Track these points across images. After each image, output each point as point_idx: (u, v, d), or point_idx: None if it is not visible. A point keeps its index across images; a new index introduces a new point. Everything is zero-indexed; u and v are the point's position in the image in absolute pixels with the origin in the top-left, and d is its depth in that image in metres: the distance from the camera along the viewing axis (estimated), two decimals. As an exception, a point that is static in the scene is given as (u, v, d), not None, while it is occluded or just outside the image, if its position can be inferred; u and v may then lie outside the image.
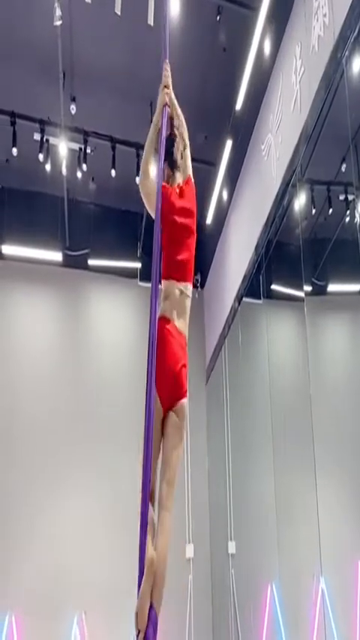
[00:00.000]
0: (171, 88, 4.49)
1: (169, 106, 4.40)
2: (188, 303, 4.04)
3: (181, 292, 4.01)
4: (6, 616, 11.05)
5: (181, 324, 3.93)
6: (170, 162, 4.28)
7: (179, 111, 4.49)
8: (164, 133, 4.28)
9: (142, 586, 3.22)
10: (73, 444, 12.21)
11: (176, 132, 4.37)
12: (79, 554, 11.60)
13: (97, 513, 11.87)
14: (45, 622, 11.07)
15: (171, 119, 4.37)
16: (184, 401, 3.80)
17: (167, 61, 4.61)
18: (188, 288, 4.07)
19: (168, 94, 4.43)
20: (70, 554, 11.58)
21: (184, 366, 3.80)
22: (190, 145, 4.43)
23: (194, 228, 4.24)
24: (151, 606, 3.20)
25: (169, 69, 4.54)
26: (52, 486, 11.91)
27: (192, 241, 4.21)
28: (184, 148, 4.39)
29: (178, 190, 4.23)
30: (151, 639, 3.10)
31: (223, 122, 10.02)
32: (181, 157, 4.35)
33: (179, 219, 4.12)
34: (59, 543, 11.63)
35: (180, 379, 3.76)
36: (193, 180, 4.38)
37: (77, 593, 11.32)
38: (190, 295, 4.07)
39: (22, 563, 11.40)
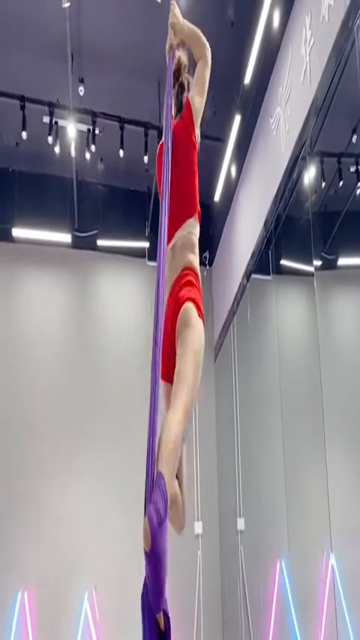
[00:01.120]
0: (179, 24, 4.12)
1: (174, 50, 4.08)
2: (190, 239, 3.69)
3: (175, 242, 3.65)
4: (18, 593, 11.19)
5: (180, 261, 3.62)
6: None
7: (199, 37, 4.09)
8: (170, 80, 4.02)
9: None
10: (83, 422, 12.33)
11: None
12: (90, 531, 11.70)
13: (107, 490, 11.96)
14: (56, 598, 11.25)
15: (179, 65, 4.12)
16: (187, 304, 3.40)
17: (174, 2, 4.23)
18: (189, 224, 3.70)
19: (173, 31, 4.10)
20: (81, 531, 11.70)
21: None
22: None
23: (193, 140, 3.86)
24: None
25: (177, 7, 4.18)
26: (62, 464, 12.03)
27: (192, 160, 3.84)
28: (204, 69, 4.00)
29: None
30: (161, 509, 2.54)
31: (232, 97, 10.00)
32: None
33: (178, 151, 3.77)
34: (70, 520, 11.75)
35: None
36: (192, 109, 3.93)
37: (88, 570, 11.46)
38: (193, 231, 3.71)
39: (33, 541, 11.53)
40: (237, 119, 9.97)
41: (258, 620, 10.23)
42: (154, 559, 2.45)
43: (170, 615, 2.58)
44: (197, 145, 3.88)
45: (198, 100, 3.94)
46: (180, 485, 3.37)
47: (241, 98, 9.78)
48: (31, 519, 11.67)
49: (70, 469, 12.09)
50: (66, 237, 12.79)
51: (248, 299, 10.66)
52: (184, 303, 3.38)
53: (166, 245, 3.30)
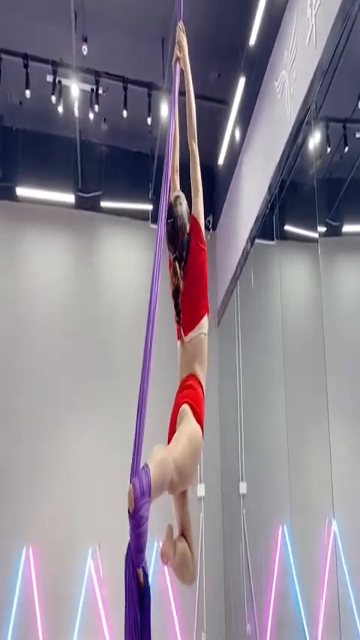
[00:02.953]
0: (185, 49, 4.55)
1: (180, 62, 4.53)
2: (202, 339, 4.06)
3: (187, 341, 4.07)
4: (23, 548, 11.37)
5: (189, 365, 4.02)
6: (174, 250, 4.12)
7: (190, 85, 4.55)
8: (176, 90, 4.34)
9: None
10: (86, 382, 12.42)
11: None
12: (93, 489, 11.80)
13: (110, 449, 11.97)
14: (60, 555, 11.39)
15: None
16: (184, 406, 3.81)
17: (181, 22, 4.70)
18: (202, 325, 4.08)
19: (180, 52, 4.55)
20: (85, 489, 11.84)
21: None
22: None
23: (202, 247, 4.16)
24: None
25: (183, 30, 4.63)
26: (66, 423, 12.17)
27: (202, 262, 4.15)
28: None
29: (182, 280, 4.10)
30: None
31: (236, 59, 9.85)
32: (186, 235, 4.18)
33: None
34: (74, 478, 11.90)
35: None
36: (198, 220, 4.20)
37: (91, 528, 11.56)
38: (204, 330, 4.08)
39: (38, 498, 11.68)
40: (241, 81, 9.83)
41: (260, 583, 10.31)
42: (135, 520, 2.85)
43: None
44: (205, 248, 4.18)
45: (200, 208, 4.23)
46: (189, 543, 3.75)
47: (246, 60, 9.63)
48: (36, 476, 11.79)
49: (74, 427, 12.21)
50: (69, 198, 12.81)
51: (252, 264, 10.59)
52: (182, 404, 3.80)
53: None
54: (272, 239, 9.70)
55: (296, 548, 9.46)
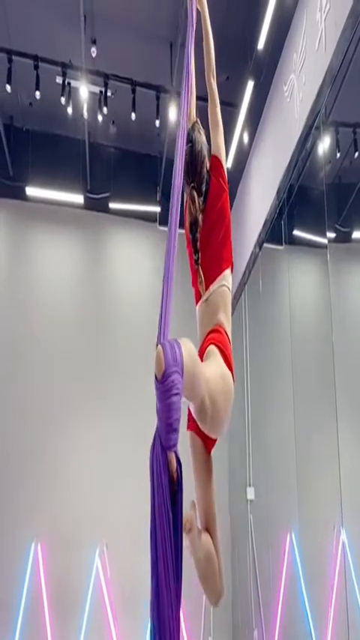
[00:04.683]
0: None
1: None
2: (224, 292, 3.63)
3: (208, 297, 3.62)
4: (32, 543, 11.38)
5: (212, 318, 3.57)
6: (192, 180, 3.70)
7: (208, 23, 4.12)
8: (193, 25, 3.92)
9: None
10: (94, 382, 12.42)
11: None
12: (101, 488, 11.82)
13: (120, 447, 12.05)
14: (68, 552, 11.42)
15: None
16: (210, 346, 3.37)
17: None
18: (224, 277, 3.65)
19: None
20: (93, 487, 11.83)
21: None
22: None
23: (223, 186, 3.75)
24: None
25: None
26: (76, 420, 12.20)
27: (224, 205, 3.73)
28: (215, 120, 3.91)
29: (202, 218, 3.67)
30: None
31: (245, 62, 9.77)
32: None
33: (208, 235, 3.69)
34: (83, 475, 11.90)
35: None
36: (219, 157, 3.79)
37: (99, 526, 11.56)
38: (227, 283, 3.64)
39: (47, 494, 11.69)
40: (250, 84, 9.73)
41: (267, 589, 10.24)
42: (166, 386, 2.41)
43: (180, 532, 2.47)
44: (227, 189, 3.78)
45: (220, 142, 3.85)
46: (214, 542, 3.27)
47: (255, 63, 9.54)
48: (46, 472, 11.80)
49: (84, 425, 12.21)
50: (78, 198, 12.81)
51: (260, 268, 10.51)
52: (208, 346, 3.36)
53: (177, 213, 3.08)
54: (281, 244, 9.63)
55: (304, 555, 9.39)
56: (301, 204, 8.96)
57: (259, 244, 10.28)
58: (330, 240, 7.82)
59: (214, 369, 3.14)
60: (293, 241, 9.38)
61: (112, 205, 13.07)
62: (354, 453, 8.97)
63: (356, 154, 8.23)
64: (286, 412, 9.36)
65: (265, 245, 10.16)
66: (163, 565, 2.40)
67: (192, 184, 3.66)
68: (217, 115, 3.94)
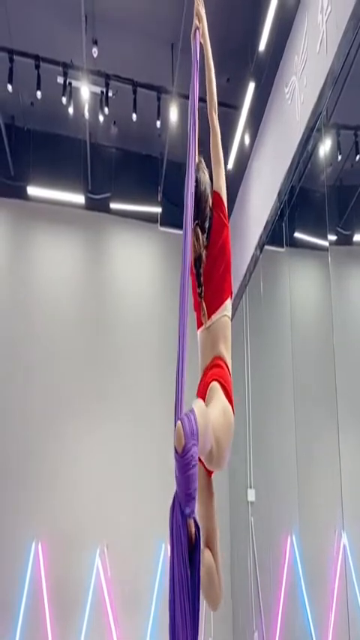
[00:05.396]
0: (204, 20, 4.22)
1: (199, 30, 4.16)
2: (225, 322, 3.84)
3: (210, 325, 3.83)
4: (32, 542, 11.38)
5: (213, 348, 3.81)
6: (196, 217, 3.81)
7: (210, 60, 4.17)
8: (197, 63, 3.98)
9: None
10: (96, 382, 12.40)
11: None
12: (102, 490, 11.81)
13: (120, 449, 12.08)
14: (69, 551, 11.43)
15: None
16: (213, 383, 3.59)
17: None
18: (225, 307, 3.85)
19: (200, 23, 4.19)
20: (94, 487, 11.82)
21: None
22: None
23: (224, 222, 3.93)
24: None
25: (201, 2, 4.29)
26: (77, 420, 12.18)
27: (225, 240, 3.92)
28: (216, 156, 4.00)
29: (205, 254, 3.86)
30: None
31: (246, 64, 9.75)
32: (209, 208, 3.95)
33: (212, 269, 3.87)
34: (84, 476, 11.90)
35: None
36: (221, 195, 3.96)
37: (99, 526, 11.57)
38: (227, 313, 3.85)
39: (48, 494, 11.68)
40: (251, 86, 9.72)
41: (268, 591, 10.22)
42: (186, 461, 2.59)
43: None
44: (228, 224, 3.98)
45: (222, 179, 4.00)
46: (214, 556, 3.48)
47: (256, 65, 9.52)
48: (46, 471, 11.80)
49: (85, 425, 12.20)
50: (79, 198, 12.80)
51: (261, 270, 10.48)
52: (211, 382, 3.59)
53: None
54: (282, 246, 9.60)
55: (305, 558, 9.37)
56: (302, 206, 8.93)
57: (260, 246, 10.25)
58: (331, 243, 7.80)
59: (218, 412, 3.35)
60: (294, 244, 9.35)
61: (113, 206, 13.04)
62: (355, 456, 8.95)
63: (357, 156, 8.19)
64: (287, 414, 9.33)
65: (266, 247, 10.13)
66: (180, 618, 2.62)
67: (196, 222, 3.79)
68: (219, 152, 4.02)
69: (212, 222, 3.88)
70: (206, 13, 4.23)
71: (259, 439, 10.91)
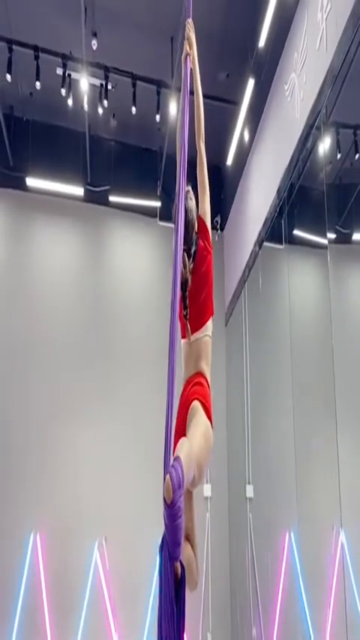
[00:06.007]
0: (194, 46, 4.42)
1: (189, 56, 4.37)
2: (206, 341, 4.17)
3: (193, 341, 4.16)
4: (31, 534, 11.44)
5: (195, 364, 4.11)
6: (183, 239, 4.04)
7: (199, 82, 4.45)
8: (187, 88, 4.21)
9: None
10: (95, 375, 12.43)
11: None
12: (102, 482, 11.86)
13: (119, 441, 12.14)
14: (67, 543, 11.49)
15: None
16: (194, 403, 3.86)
17: (190, 20, 4.63)
18: (207, 327, 4.19)
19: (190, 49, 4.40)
20: (93, 479, 11.87)
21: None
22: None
23: (208, 248, 4.22)
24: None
25: (192, 28, 4.52)
26: (77, 412, 12.20)
27: (208, 266, 4.21)
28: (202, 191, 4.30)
29: (190, 279, 4.14)
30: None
31: (246, 60, 9.71)
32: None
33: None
34: (83, 468, 11.94)
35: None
36: (205, 221, 4.25)
37: (98, 519, 11.62)
38: (209, 332, 4.19)
39: (47, 485, 11.72)
40: (250, 82, 9.67)
41: (266, 587, 10.23)
42: (173, 512, 2.84)
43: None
44: (211, 250, 4.24)
45: (207, 207, 4.29)
46: (192, 546, 3.85)
47: (255, 62, 9.48)
48: (46, 464, 11.84)
49: (85, 417, 12.22)
50: (78, 191, 12.79)
51: (260, 266, 10.45)
52: (192, 401, 3.87)
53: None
54: (281, 243, 9.55)
55: (303, 555, 9.36)
56: (301, 204, 8.87)
57: (259, 243, 10.23)
58: (330, 241, 7.74)
59: (199, 436, 3.64)
60: (293, 241, 9.29)
61: (112, 198, 13.02)
62: (353, 453, 8.93)
63: (357, 155, 8.12)
64: (286, 410, 9.31)
65: (265, 244, 10.11)
66: None
67: (184, 247, 4.00)
68: (205, 179, 4.29)
69: (197, 248, 4.16)
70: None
71: (257, 435, 10.90)
